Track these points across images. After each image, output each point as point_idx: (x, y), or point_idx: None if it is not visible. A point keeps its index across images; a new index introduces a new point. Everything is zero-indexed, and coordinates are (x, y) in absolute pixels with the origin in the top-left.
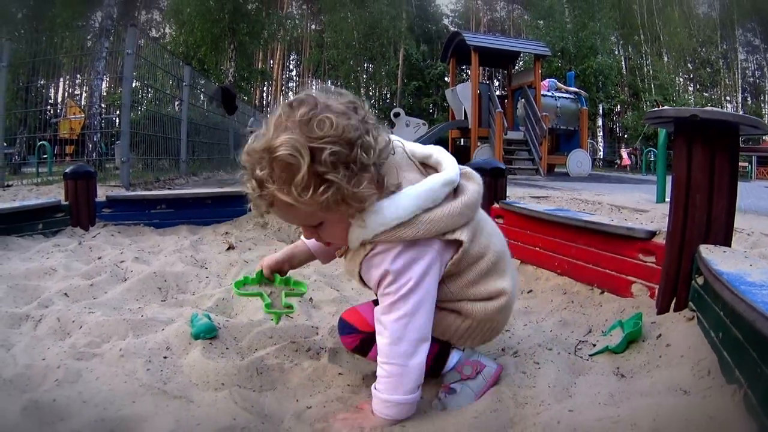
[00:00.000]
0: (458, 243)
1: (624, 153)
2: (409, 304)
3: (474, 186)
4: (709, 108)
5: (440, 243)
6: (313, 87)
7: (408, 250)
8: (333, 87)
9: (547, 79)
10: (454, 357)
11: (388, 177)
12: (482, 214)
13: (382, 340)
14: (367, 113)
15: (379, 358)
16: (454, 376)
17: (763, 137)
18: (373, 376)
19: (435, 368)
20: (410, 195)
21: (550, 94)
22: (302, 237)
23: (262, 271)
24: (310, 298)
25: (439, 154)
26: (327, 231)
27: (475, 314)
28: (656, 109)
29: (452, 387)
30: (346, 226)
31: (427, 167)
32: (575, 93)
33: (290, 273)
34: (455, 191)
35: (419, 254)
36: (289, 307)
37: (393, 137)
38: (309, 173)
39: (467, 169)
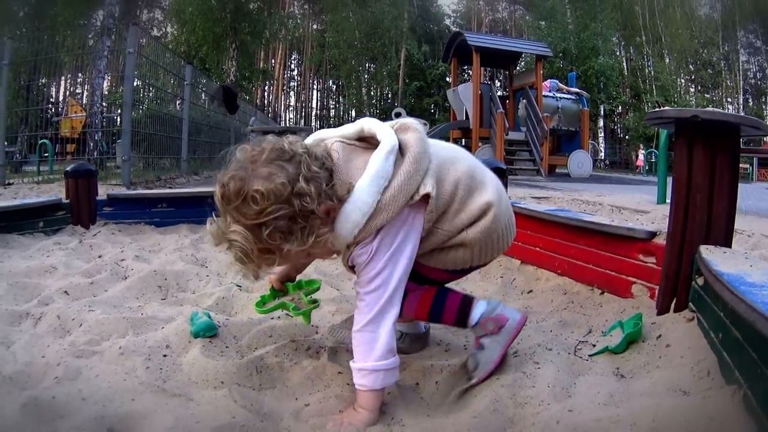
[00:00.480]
0: (427, 195)
1: (641, 154)
2: (383, 276)
3: (413, 134)
4: (710, 109)
5: (408, 207)
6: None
7: (381, 231)
8: (245, 146)
9: (549, 80)
10: (478, 308)
11: (339, 185)
12: (433, 147)
13: (357, 313)
14: (293, 147)
15: (353, 329)
16: (480, 331)
17: (765, 138)
18: None
19: (460, 319)
20: (364, 187)
21: (551, 94)
22: None
23: (272, 287)
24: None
25: (368, 124)
26: (318, 254)
27: (477, 238)
28: (657, 109)
29: (481, 342)
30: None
31: (365, 140)
32: (576, 94)
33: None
34: (401, 151)
35: (390, 229)
36: (314, 302)
37: (329, 140)
38: (262, 252)
39: (399, 122)
